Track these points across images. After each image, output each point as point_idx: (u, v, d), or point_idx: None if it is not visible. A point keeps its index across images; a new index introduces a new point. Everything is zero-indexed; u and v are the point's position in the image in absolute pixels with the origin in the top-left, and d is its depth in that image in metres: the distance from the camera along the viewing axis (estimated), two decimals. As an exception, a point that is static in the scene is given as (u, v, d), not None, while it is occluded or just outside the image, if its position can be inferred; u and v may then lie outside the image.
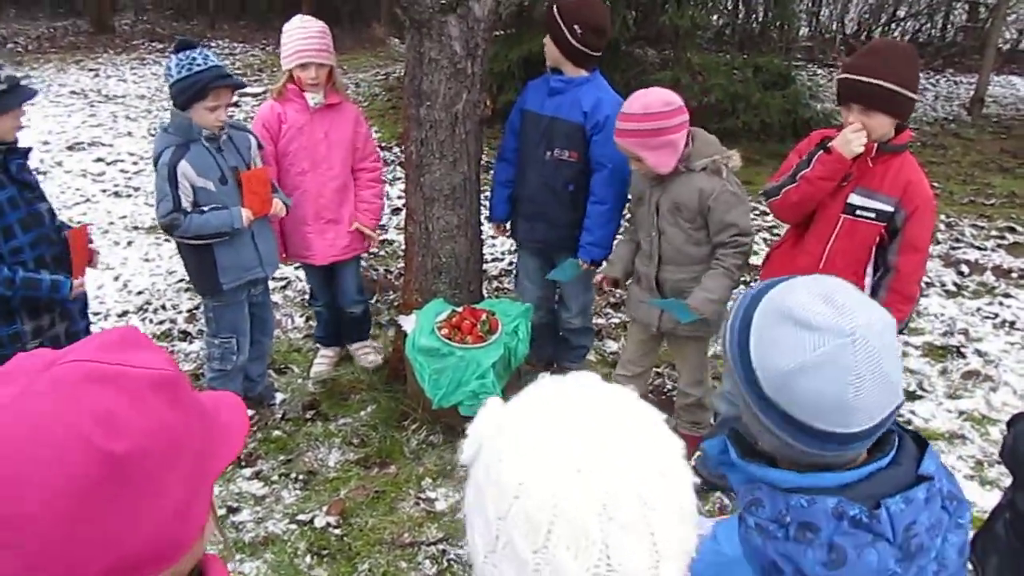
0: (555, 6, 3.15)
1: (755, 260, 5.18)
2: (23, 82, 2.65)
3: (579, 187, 3.30)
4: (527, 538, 0.74)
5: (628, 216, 3.28)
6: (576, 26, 3.08)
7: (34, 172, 2.77)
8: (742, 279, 2.96)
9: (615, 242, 3.33)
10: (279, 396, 3.72)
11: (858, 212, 2.52)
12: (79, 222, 4.25)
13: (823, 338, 0.99)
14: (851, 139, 2.44)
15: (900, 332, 3.44)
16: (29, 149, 2.68)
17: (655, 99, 2.75)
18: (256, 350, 3.51)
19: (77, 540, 0.69)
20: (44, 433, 0.70)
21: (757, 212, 5.68)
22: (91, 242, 2.90)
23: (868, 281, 2.63)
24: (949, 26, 14.78)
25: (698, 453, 2.99)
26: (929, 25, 14.55)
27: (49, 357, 0.76)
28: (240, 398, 0.93)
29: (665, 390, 3.77)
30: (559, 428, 0.79)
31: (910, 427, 1.16)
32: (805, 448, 1.05)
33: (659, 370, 3.94)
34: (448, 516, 2.98)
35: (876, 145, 2.46)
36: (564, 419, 0.80)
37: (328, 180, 3.52)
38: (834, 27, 14.24)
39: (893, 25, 14.05)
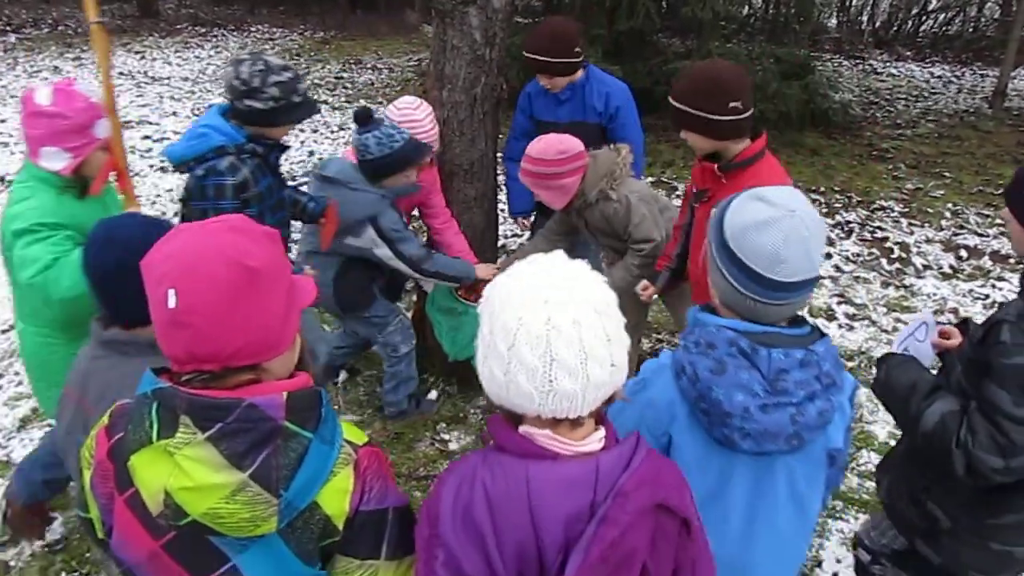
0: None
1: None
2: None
3: None
4: (503, 340, 1.13)
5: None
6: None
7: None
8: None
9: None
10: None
11: None
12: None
13: (774, 209, 1.39)
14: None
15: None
16: (287, 147, 2.93)
17: (550, 148, 3.06)
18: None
19: (226, 322, 1.10)
20: (206, 254, 1.11)
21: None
22: (336, 222, 3.09)
23: None
24: (983, 19, 14.76)
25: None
26: (962, 17, 14.55)
27: (202, 223, 1.19)
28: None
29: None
30: (540, 276, 1.17)
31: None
32: (744, 289, 1.42)
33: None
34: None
35: (717, 165, 2.48)
36: (545, 272, 1.17)
37: None
38: (864, 18, 14.29)
39: (923, 17, 14.07)
